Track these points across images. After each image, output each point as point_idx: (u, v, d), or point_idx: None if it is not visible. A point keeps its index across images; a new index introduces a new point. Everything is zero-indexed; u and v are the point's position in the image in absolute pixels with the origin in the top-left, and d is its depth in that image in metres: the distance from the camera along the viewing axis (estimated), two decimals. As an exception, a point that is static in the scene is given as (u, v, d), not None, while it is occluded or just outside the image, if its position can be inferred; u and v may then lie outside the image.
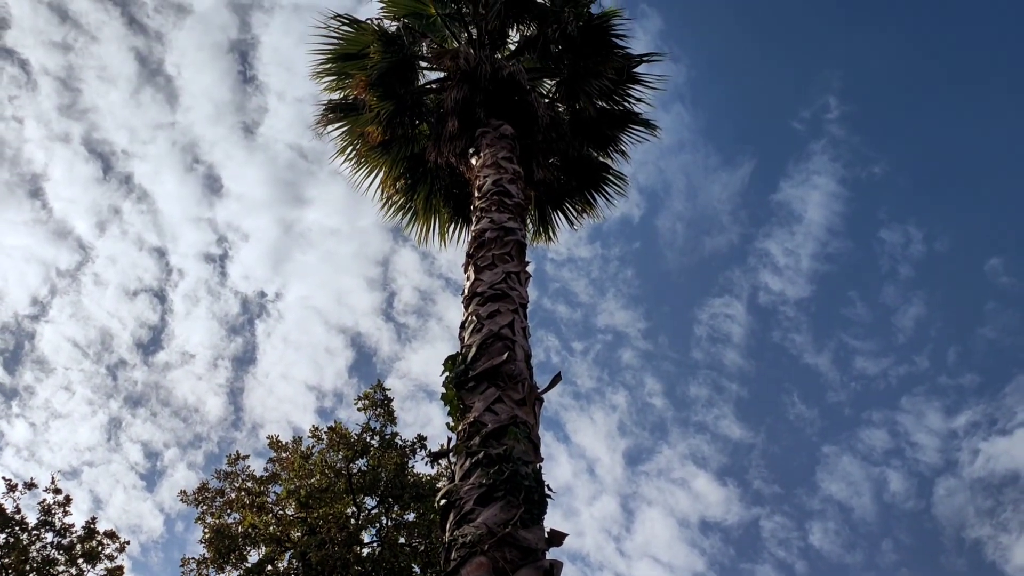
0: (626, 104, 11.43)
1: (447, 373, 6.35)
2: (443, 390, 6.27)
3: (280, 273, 33.93)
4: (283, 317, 33.18)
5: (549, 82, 11.63)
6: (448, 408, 6.11)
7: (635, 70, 11.29)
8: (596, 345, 32.74)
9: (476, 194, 8.86)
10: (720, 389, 31.19)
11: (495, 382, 6.05)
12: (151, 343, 32.83)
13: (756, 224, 32.48)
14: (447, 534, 5.22)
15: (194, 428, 31.37)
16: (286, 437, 19.16)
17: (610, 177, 11.72)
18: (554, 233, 11.96)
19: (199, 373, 31.93)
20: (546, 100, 11.05)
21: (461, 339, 6.83)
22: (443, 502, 5.44)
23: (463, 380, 6.15)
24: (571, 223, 11.95)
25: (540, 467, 5.61)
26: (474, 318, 6.78)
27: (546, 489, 5.37)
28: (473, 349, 6.41)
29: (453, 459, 5.78)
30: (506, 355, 6.21)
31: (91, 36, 28.11)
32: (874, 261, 31.22)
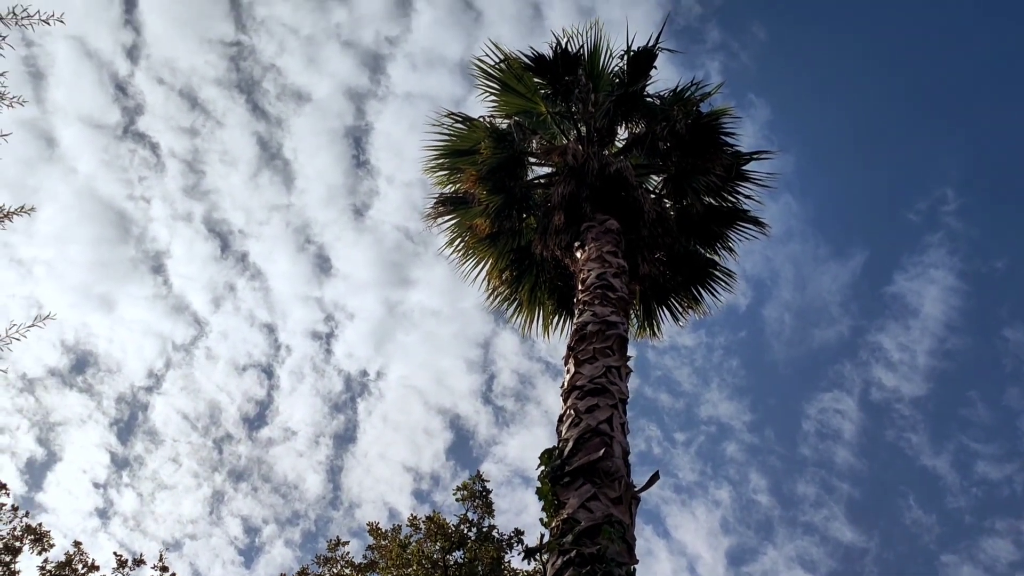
0: (734, 201, 11.37)
1: (543, 467, 6.27)
2: (538, 483, 6.19)
3: (382, 353, 34.67)
4: (383, 396, 33.74)
5: (656, 178, 11.68)
6: (542, 503, 6.01)
7: (744, 167, 11.26)
8: (699, 437, 31.83)
9: (580, 287, 8.89)
10: (830, 489, 29.68)
11: (591, 478, 5.94)
12: (256, 418, 33.81)
13: (868, 317, 31.29)
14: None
15: (293, 505, 31.82)
16: (382, 518, 19.24)
17: (717, 273, 11.58)
18: (658, 328, 11.83)
19: (300, 450, 32.59)
20: (653, 196, 11.09)
21: (559, 432, 6.76)
22: (534, 600, 5.32)
23: (558, 475, 6.07)
24: (676, 319, 11.82)
25: (634, 569, 5.44)
26: (572, 412, 6.72)
27: (640, 593, 5.19)
28: (570, 444, 6.33)
29: (545, 556, 5.66)
30: (603, 451, 6.11)
31: (217, 121, 30.23)
32: (997, 360, 29.48)
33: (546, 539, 5.79)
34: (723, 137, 11.00)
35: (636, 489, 6.12)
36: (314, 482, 32.24)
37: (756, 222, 11.34)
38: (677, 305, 11.72)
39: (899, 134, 29.89)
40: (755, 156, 11.21)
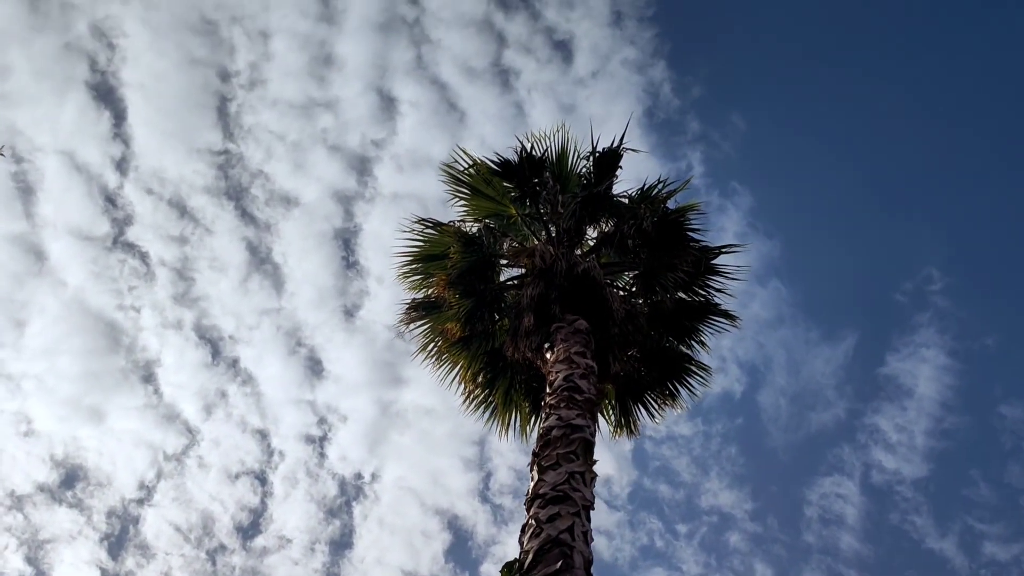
0: (705, 295, 11.40)
1: (502, 582, 6.13)
2: (499, 599, 6.04)
3: (376, 454, 34.27)
4: (379, 499, 33.20)
5: (628, 275, 11.73)
6: (502, 620, 5.85)
7: (715, 261, 11.32)
8: (701, 528, 31.23)
9: (548, 390, 8.84)
10: (837, 577, 29.06)
11: (549, 593, 5.80)
12: (250, 527, 33.19)
13: (863, 399, 31.23)
14: None
15: (289, 617, 30.91)
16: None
17: (692, 367, 11.51)
18: (635, 426, 11.68)
19: (296, 558, 31.87)
20: (623, 294, 11.13)
21: (520, 544, 6.63)
22: None
23: (516, 590, 5.92)
24: (652, 415, 11.67)
25: None
26: (533, 522, 6.60)
27: None
28: (530, 556, 6.21)
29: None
30: (560, 563, 5.98)
31: (206, 228, 30.74)
32: (995, 438, 29.33)
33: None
34: (689, 233, 11.12)
35: (596, 602, 5.97)
36: (310, 592, 31.44)
37: (727, 315, 11.36)
38: (653, 401, 11.60)
39: (882, 214, 30.42)
40: (722, 250, 11.29)
